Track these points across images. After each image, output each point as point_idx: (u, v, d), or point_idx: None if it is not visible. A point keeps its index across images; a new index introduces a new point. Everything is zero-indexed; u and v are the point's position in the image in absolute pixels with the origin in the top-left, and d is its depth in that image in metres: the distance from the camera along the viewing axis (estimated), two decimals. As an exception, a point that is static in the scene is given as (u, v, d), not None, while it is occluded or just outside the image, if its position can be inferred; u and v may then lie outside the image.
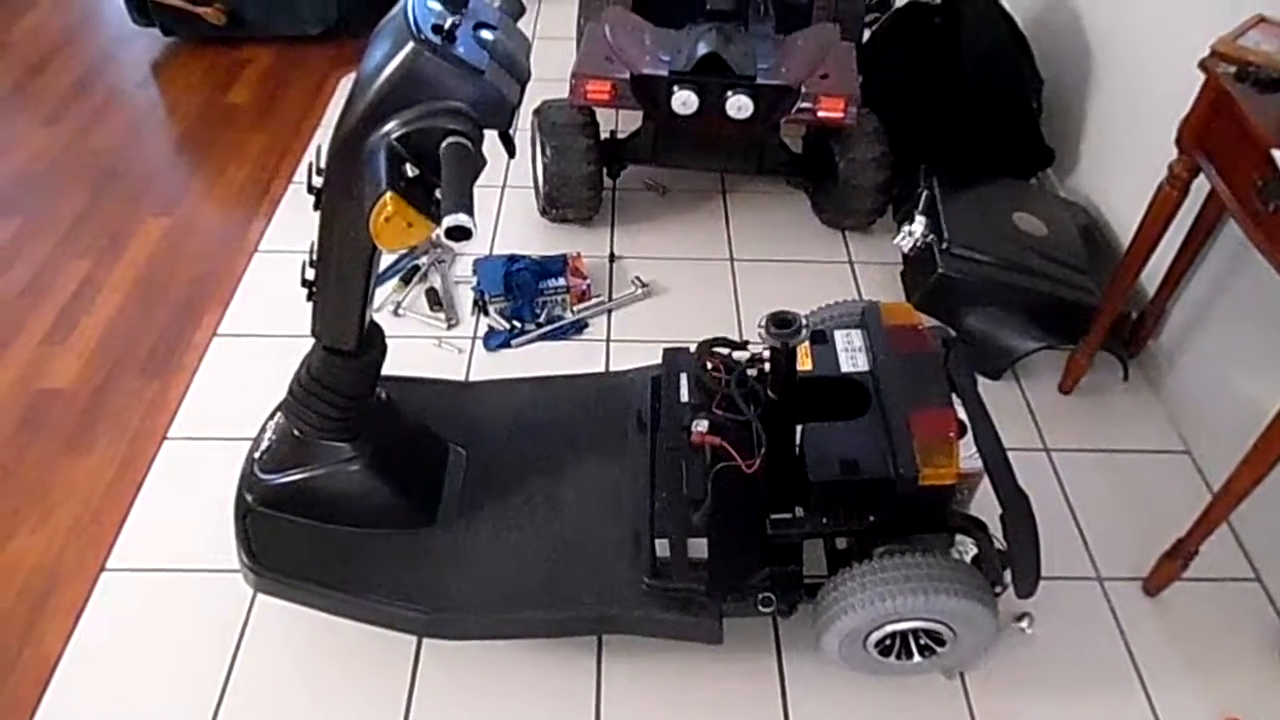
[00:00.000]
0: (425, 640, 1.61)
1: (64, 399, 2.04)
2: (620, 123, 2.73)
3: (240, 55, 3.24)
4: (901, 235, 2.23)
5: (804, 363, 1.54)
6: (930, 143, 2.42)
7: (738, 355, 1.60)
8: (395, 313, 2.23)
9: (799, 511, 1.45)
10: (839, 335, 1.57)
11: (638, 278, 2.33)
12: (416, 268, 2.33)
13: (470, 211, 0.94)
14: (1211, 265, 1.94)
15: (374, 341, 1.42)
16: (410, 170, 1.02)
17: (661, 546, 1.43)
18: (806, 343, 1.56)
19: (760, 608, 1.46)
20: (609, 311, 2.28)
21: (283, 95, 3.07)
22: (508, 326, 2.20)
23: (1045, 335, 2.06)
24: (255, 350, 2.14)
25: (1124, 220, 2.23)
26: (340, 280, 1.26)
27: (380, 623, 1.52)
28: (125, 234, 2.48)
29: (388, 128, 1.04)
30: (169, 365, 2.12)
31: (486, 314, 2.23)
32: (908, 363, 1.49)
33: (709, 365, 1.59)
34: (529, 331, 2.20)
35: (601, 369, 2.11)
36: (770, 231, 2.55)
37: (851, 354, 1.53)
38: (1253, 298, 1.82)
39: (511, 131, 1.16)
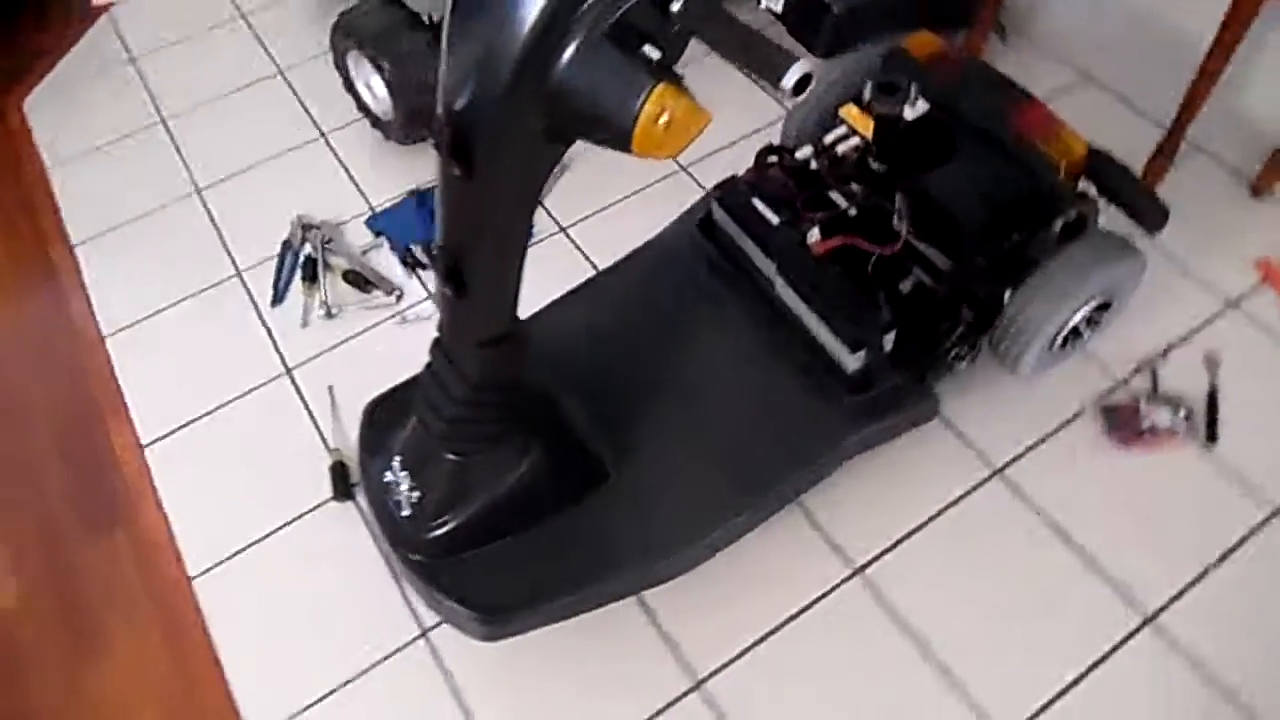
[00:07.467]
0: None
1: (15, 617, 1.57)
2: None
3: None
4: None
5: (865, 127, 1.48)
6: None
7: (799, 155, 1.52)
8: (328, 315, 1.88)
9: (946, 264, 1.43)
10: (882, 86, 1.51)
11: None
12: (311, 259, 1.95)
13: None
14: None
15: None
16: (652, 52, 0.81)
17: (856, 359, 1.38)
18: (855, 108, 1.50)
19: (955, 364, 1.47)
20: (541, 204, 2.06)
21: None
22: (457, 267, 1.93)
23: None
24: (198, 440, 1.74)
25: None
26: (502, 252, 1.02)
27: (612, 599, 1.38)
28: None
29: (579, 35, 0.81)
30: (114, 507, 1.67)
31: (424, 266, 1.94)
32: (963, 83, 1.47)
33: (773, 178, 1.51)
34: (481, 261, 1.95)
35: (581, 261, 1.93)
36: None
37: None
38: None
39: None
